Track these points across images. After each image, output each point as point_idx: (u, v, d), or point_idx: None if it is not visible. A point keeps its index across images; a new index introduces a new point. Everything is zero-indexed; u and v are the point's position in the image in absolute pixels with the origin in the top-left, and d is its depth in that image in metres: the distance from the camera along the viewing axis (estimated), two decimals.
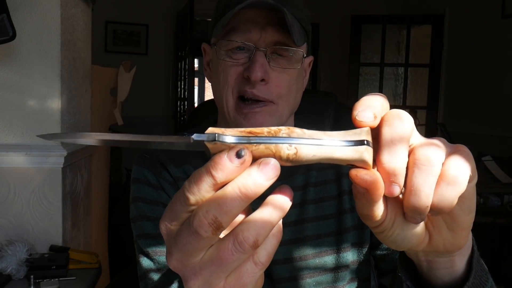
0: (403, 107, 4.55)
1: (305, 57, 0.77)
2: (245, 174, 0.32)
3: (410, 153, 0.36)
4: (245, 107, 0.73)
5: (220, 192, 0.32)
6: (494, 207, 2.40)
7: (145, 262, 0.77)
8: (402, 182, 0.35)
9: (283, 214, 0.34)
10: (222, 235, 0.34)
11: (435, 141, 0.37)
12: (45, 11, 1.63)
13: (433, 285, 0.49)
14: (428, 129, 4.21)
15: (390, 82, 4.86)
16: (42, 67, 1.65)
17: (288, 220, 0.79)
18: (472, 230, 0.42)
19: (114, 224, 2.97)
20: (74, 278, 1.42)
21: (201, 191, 0.33)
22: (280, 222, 0.35)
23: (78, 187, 1.91)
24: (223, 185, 0.32)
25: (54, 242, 1.64)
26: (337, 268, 0.79)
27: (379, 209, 0.36)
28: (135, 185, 0.81)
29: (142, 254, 0.78)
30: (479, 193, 2.44)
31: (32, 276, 1.33)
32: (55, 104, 1.67)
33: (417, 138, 0.37)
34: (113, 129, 2.79)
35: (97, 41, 3.41)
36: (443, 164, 0.35)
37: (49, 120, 1.67)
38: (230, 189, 0.32)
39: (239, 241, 0.32)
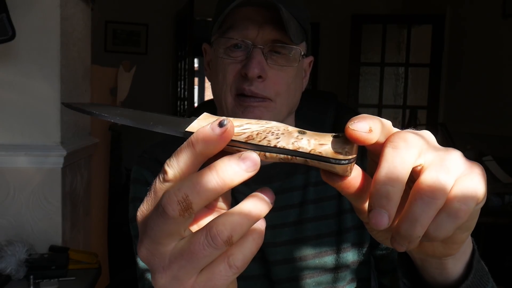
0: (403, 107, 4.55)
1: (303, 56, 0.77)
2: (225, 160, 0.32)
3: (419, 173, 0.34)
4: (244, 100, 0.73)
5: (196, 173, 0.32)
6: (495, 207, 2.40)
7: (142, 262, 0.77)
8: (393, 211, 0.32)
9: (261, 213, 0.33)
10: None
11: (448, 162, 0.33)
12: (44, 10, 1.63)
13: (429, 283, 0.49)
14: (428, 129, 4.18)
15: (391, 82, 4.86)
16: (41, 67, 1.64)
17: (288, 220, 0.79)
18: (473, 230, 0.42)
19: (114, 224, 2.96)
20: (74, 278, 1.42)
21: (180, 163, 0.32)
22: (263, 228, 0.34)
23: (78, 187, 1.90)
24: (203, 163, 0.32)
25: (53, 242, 1.64)
26: (337, 268, 0.78)
27: (362, 204, 0.37)
28: (134, 185, 0.81)
29: None
30: None
31: (31, 277, 1.33)
32: (55, 104, 1.67)
33: (430, 154, 0.34)
34: (113, 129, 2.79)
35: (97, 41, 3.41)
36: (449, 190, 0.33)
37: (49, 120, 1.66)
38: (207, 171, 0.31)
39: (212, 234, 0.31)
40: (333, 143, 0.33)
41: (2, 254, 1.39)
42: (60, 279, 1.39)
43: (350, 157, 0.32)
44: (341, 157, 0.32)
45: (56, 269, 1.40)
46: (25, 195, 1.64)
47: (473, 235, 0.45)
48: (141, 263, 0.77)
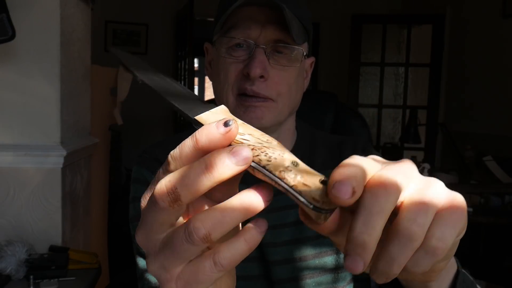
0: (403, 107, 4.55)
1: (305, 56, 0.77)
2: (215, 153, 0.31)
3: (398, 208, 0.33)
4: (246, 99, 0.73)
5: (187, 165, 0.32)
6: (495, 207, 2.40)
7: (142, 262, 0.77)
8: (368, 258, 0.31)
9: (249, 213, 0.32)
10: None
11: (427, 198, 0.32)
12: (44, 10, 1.63)
13: None
14: (428, 129, 4.20)
15: (391, 82, 4.86)
16: (41, 67, 1.64)
17: (288, 220, 0.78)
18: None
19: (114, 224, 2.96)
20: (74, 278, 1.41)
21: (182, 155, 0.32)
22: (261, 229, 0.33)
23: (78, 187, 1.90)
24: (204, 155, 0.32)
25: (53, 242, 1.64)
26: (337, 268, 0.78)
27: (337, 240, 0.36)
28: (134, 185, 0.81)
29: (139, 255, 0.77)
30: (480, 193, 2.44)
31: (31, 277, 1.33)
32: (55, 104, 1.66)
33: (410, 190, 0.33)
34: (113, 129, 2.79)
35: (96, 41, 3.41)
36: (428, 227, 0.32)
37: (49, 120, 1.66)
38: (197, 164, 0.31)
39: (189, 230, 0.31)
40: (316, 188, 0.32)
41: (2, 254, 1.38)
42: (60, 279, 1.38)
43: (326, 208, 0.32)
44: (317, 205, 0.31)
45: (56, 269, 1.40)
46: (25, 195, 1.64)
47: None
48: (141, 263, 0.77)
